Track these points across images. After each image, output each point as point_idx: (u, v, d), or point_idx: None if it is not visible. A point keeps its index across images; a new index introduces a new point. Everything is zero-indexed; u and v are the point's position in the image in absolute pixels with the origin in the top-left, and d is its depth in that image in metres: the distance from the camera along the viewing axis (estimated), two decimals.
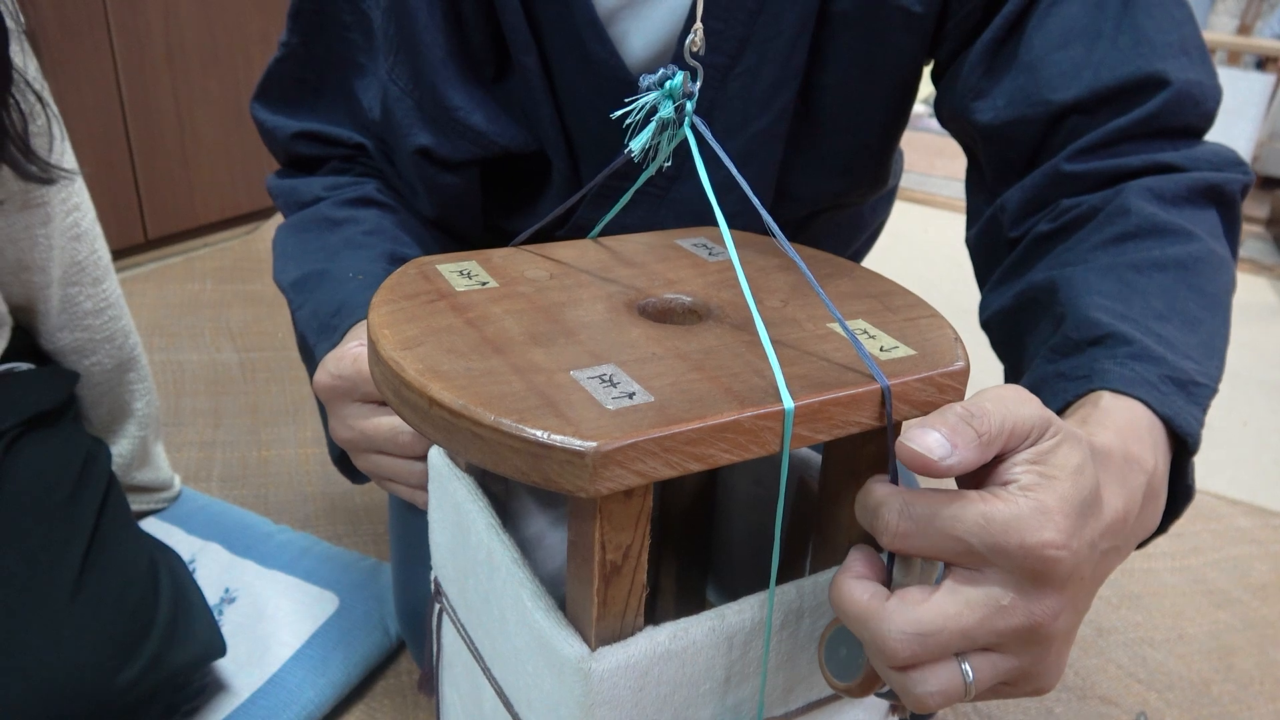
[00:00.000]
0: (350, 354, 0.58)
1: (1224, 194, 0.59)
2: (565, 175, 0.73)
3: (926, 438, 0.36)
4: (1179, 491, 0.50)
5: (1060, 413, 0.50)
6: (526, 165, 0.74)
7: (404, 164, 0.74)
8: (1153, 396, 0.47)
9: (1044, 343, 0.56)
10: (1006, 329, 0.63)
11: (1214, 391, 0.51)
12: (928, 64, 0.73)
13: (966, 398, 0.44)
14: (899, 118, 0.76)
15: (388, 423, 0.58)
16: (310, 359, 0.67)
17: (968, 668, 0.37)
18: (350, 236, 0.72)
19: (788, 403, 0.38)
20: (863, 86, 0.70)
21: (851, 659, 0.41)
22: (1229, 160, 0.61)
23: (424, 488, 0.59)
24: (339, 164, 0.79)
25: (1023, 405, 0.38)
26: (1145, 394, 0.47)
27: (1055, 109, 0.61)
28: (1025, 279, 0.61)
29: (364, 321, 0.58)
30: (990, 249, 0.68)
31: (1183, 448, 0.48)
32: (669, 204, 0.71)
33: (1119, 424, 0.45)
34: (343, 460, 0.69)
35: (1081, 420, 0.46)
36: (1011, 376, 0.64)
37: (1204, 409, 0.50)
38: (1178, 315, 0.53)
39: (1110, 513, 0.40)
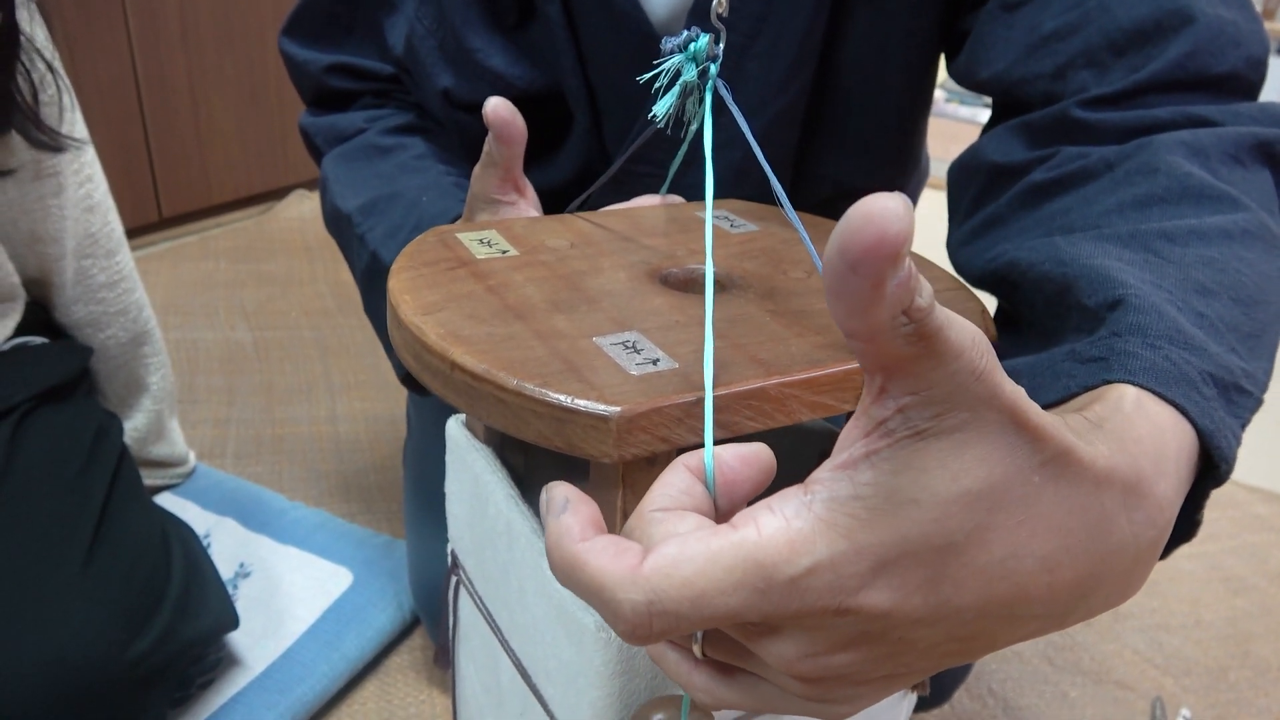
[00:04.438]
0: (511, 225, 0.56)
1: (1277, 154, 0.47)
2: (586, 127, 0.72)
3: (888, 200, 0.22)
4: (1180, 529, 0.37)
5: (1050, 407, 0.36)
6: (548, 115, 0.74)
7: (429, 102, 0.75)
8: (1192, 402, 0.34)
9: (1040, 319, 0.45)
10: (984, 289, 0.53)
11: (1258, 404, 0.38)
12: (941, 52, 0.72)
13: None
14: (917, 98, 0.75)
15: None
16: (382, 276, 0.66)
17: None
18: (403, 161, 0.71)
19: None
20: (877, 65, 0.69)
21: None
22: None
23: None
24: (372, 99, 0.78)
25: (966, 333, 0.25)
26: (1183, 397, 0.34)
27: (1060, 62, 0.52)
28: (1010, 244, 0.49)
29: (497, 215, 0.57)
30: (969, 176, 0.58)
31: (1209, 474, 0.35)
32: (683, 190, 0.71)
33: (1143, 445, 0.31)
34: (410, 379, 0.67)
35: (1094, 425, 0.31)
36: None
37: (1244, 426, 0.37)
38: (1226, 293, 0.39)
39: (1044, 583, 0.27)
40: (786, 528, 0.26)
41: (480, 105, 0.73)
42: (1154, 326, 0.36)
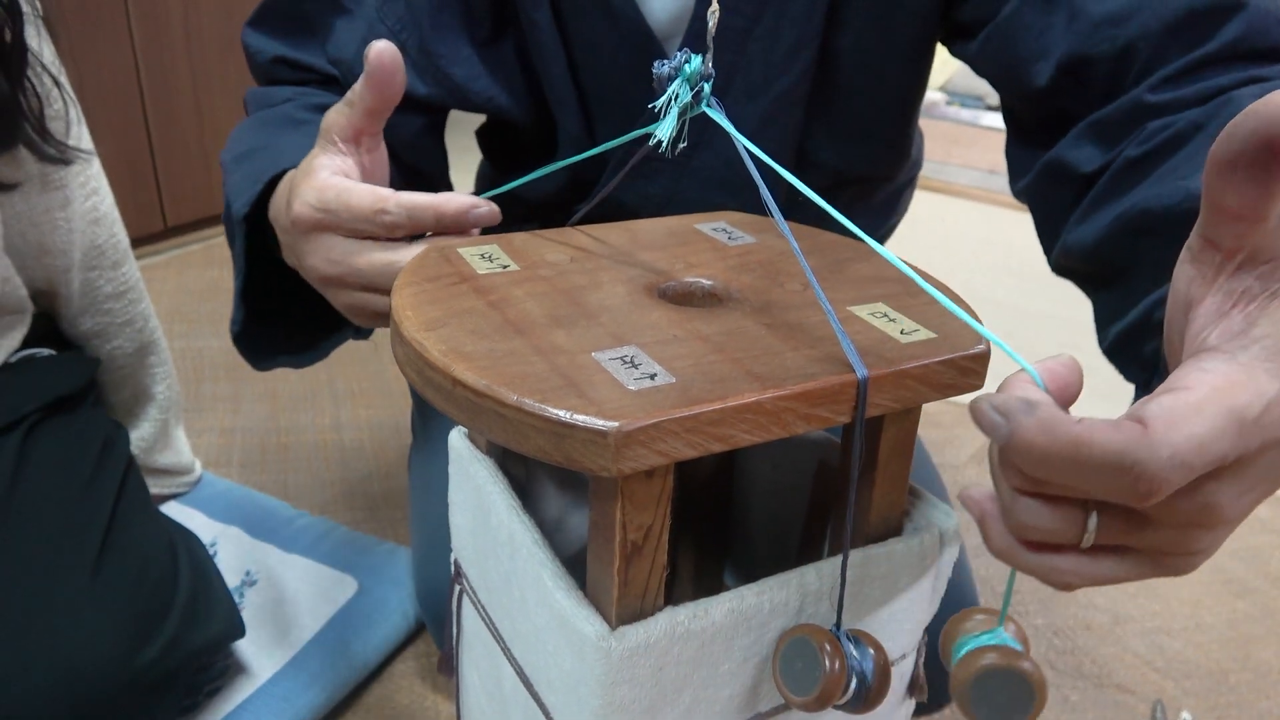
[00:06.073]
0: (332, 184, 0.53)
1: None
2: (574, 135, 0.73)
3: None
4: None
5: None
6: (529, 133, 0.74)
7: None
8: None
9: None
10: (1104, 257, 0.57)
11: None
12: (940, 36, 0.74)
13: (985, 385, 0.44)
14: (916, 84, 0.77)
15: (383, 258, 0.53)
16: (229, 224, 0.64)
17: (1092, 519, 0.33)
18: (309, 131, 0.68)
19: (861, 371, 0.39)
20: (879, 50, 0.71)
21: (807, 672, 0.40)
22: None
23: None
24: (316, 87, 0.77)
25: None
26: None
27: (1121, 44, 0.58)
28: (1125, 202, 0.54)
29: (314, 156, 0.55)
30: (1058, 188, 0.62)
31: None
32: (691, 173, 0.72)
33: None
34: (242, 339, 0.66)
35: None
36: (1116, 306, 0.57)
37: None
38: None
39: None
40: (1238, 379, 0.30)
41: (428, 105, 0.71)
42: None
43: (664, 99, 0.45)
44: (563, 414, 0.35)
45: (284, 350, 0.70)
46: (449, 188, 0.82)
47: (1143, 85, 0.57)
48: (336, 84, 0.77)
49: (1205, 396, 0.30)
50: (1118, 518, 0.33)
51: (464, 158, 1.01)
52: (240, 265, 0.64)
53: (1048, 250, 0.65)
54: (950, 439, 1.40)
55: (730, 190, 0.73)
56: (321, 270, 0.55)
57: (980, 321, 0.46)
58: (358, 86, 0.52)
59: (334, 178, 0.53)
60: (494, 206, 0.54)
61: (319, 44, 0.76)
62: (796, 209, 0.81)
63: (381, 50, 0.51)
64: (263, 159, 0.63)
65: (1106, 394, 0.84)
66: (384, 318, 0.56)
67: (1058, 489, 0.32)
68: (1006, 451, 0.30)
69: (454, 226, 0.53)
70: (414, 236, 0.54)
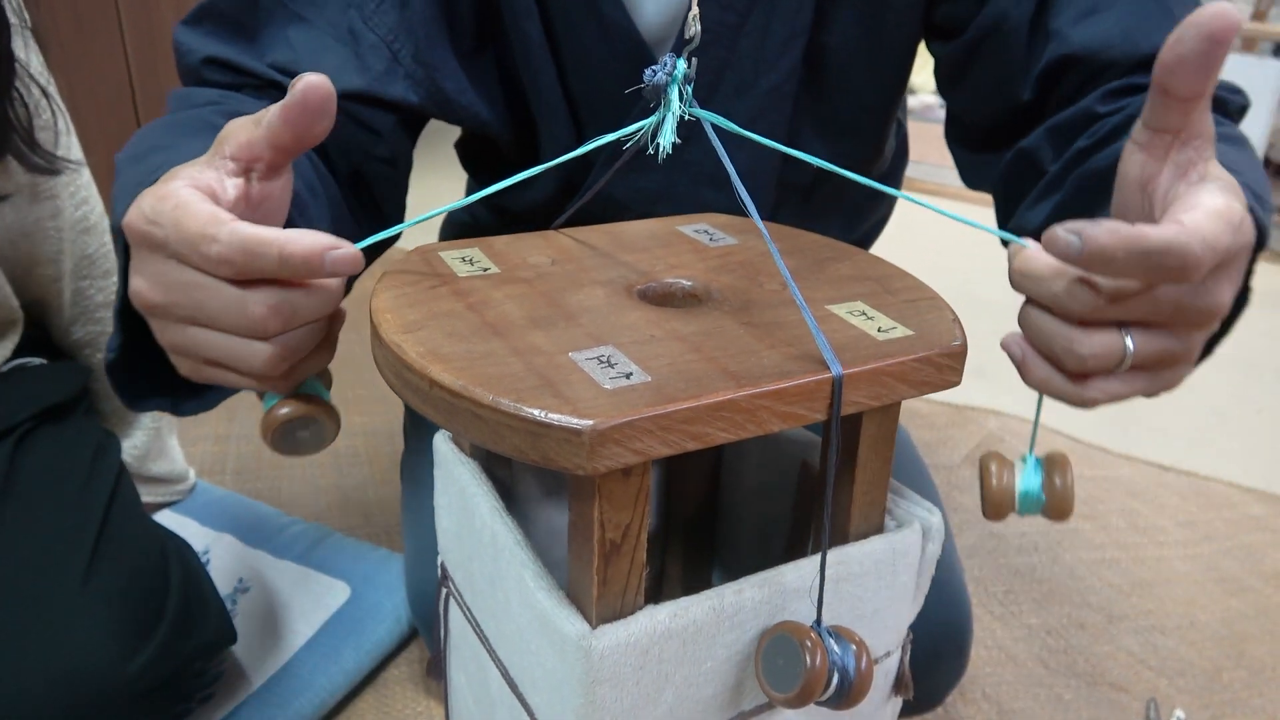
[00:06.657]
0: (174, 195, 0.42)
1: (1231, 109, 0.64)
2: (564, 143, 0.73)
3: None
4: (1240, 294, 0.51)
5: None
6: (508, 146, 0.74)
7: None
8: (1242, 183, 0.45)
9: None
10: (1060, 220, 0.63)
11: (1270, 230, 0.52)
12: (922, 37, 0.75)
13: (962, 381, 0.45)
14: (900, 79, 0.79)
15: (232, 293, 0.42)
16: (113, 232, 0.52)
17: (1129, 340, 0.41)
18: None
19: (835, 369, 0.40)
20: (865, 46, 0.72)
21: (789, 669, 0.41)
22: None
23: (264, 379, 0.45)
24: (251, 93, 0.68)
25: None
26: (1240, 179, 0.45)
27: (1097, 67, 0.64)
28: (1076, 174, 0.60)
29: (192, 163, 0.45)
30: (1024, 177, 0.67)
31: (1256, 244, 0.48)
32: (683, 166, 0.73)
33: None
34: (116, 368, 0.53)
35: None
36: None
37: (1268, 225, 0.51)
38: (1248, 170, 0.52)
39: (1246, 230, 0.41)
40: (1219, 201, 0.39)
41: (410, 109, 0.71)
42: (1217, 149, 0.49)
43: (667, 110, 0.46)
44: (538, 413, 0.36)
45: (163, 391, 0.57)
46: (402, 207, 0.78)
47: (1092, 97, 0.64)
48: (277, 90, 0.68)
49: (1207, 210, 0.39)
50: (1145, 336, 0.42)
51: (450, 167, 1.01)
52: (120, 281, 0.50)
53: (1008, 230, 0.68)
54: (944, 440, 1.40)
55: (719, 185, 0.74)
56: (146, 296, 0.44)
57: (958, 321, 0.47)
58: (273, 111, 0.43)
59: (184, 189, 0.42)
60: (357, 252, 0.42)
61: (260, 50, 0.69)
62: (783, 209, 0.82)
63: (314, 85, 0.41)
64: (156, 161, 0.53)
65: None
66: (221, 369, 0.45)
67: (1110, 310, 0.40)
68: (1083, 261, 0.38)
69: (303, 271, 0.41)
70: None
